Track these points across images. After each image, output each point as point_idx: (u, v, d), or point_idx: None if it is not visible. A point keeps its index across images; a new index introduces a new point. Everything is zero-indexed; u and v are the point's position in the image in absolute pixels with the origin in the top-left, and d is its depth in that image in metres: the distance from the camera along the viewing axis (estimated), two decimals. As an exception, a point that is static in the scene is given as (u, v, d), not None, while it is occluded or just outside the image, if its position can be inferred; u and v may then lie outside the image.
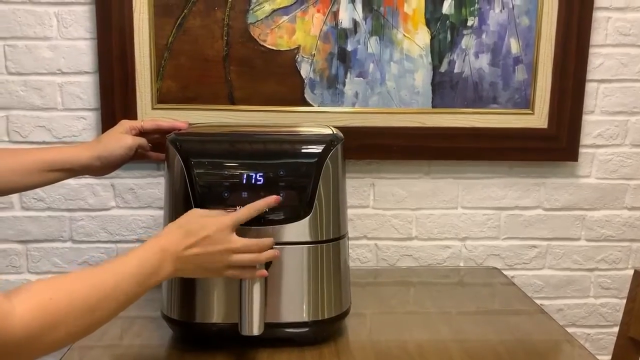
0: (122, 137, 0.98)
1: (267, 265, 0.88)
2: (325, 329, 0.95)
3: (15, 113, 1.27)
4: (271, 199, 0.86)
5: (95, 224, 1.32)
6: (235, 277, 0.83)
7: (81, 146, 0.98)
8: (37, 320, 0.60)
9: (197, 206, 0.87)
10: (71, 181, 1.26)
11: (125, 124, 1.00)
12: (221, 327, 0.87)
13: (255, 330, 0.84)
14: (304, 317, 0.91)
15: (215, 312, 0.90)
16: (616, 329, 1.12)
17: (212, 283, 0.90)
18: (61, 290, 0.64)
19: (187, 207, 0.87)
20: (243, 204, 0.87)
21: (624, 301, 1.13)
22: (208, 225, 0.79)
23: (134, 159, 1.00)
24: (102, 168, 0.97)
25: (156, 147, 1.03)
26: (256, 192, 0.88)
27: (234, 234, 0.81)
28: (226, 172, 0.89)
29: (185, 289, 0.91)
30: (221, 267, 0.81)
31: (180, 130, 0.99)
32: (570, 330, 1.27)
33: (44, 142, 1.27)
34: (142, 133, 1.01)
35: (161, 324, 0.96)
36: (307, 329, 0.93)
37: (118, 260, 0.72)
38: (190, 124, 1.06)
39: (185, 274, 0.80)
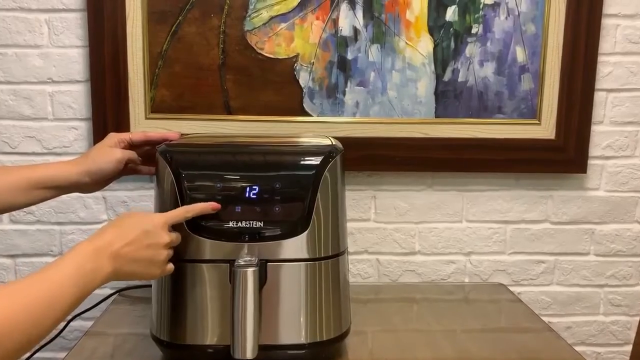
0: (110, 151, 0.95)
1: (262, 283, 0.84)
2: (324, 351, 0.91)
3: (4, 123, 1.24)
4: (208, 206, 0.83)
5: (86, 237, 1.28)
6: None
7: (69, 162, 0.95)
8: None
9: (186, 221, 0.84)
10: (61, 193, 1.24)
11: (113, 137, 0.97)
12: (213, 350, 0.83)
13: (249, 353, 0.81)
14: (302, 338, 0.87)
15: (207, 334, 0.86)
16: (627, 348, 1.08)
17: (204, 302, 0.86)
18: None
19: (177, 223, 0.83)
20: (237, 219, 0.84)
21: (636, 319, 1.09)
22: (141, 222, 0.78)
23: (124, 173, 0.98)
24: (91, 184, 0.95)
25: (147, 159, 1.00)
26: (251, 206, 0.84)
27: (167, 231, 0.80)
28: (219, 185, 0.86)
29: (176, 308, 0.87)
30: (159, 262, 0.79)
31: (171, 141, 0.96)
32: (579, 349, 1.23)
33: (33, 153, 1.25)
34: (131, 146, 0.98)
35: (153, 343, 0.92)
36: (304, 351, 0.89)
37: (53, 269, 0.68)
38: (182, 134, 1.03)
39: (125, 274, 0.77)
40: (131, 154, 0.97)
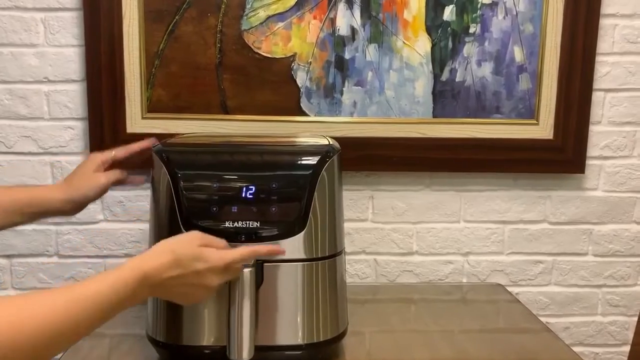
0: (94, 178, 0.94)
1: (258, 283, 0.83)
2: (321, 352, 0.91)
3: (0, 123, 1.23)
4: (277, 249, 0.82)
5: (83, 238, 1.27)
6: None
7: (53, 188, 0.95)
8: None
9: (183, 221, 0.83)
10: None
11: (96, 159, 0.96)
12: (209, 351, 0.82)
13: (245, 354, 0.80)
14: (299, 339, 0.87)
15: (203, 334, 0.86)
16: (625, 348, 1.08)
17: (200, 303, 0.85)
18: (9, 320, 0.57)
19: (172, 223, 0.83)
20: (233, 219, 0.83)
21: (633, 319, 1.08)
22: (202, 259, 0.74)
23: (113, 187, 0.97)
24: (73, 209, 0.94)
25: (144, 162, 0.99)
26: (247, 206, 0.84)
27: (222, 276, 0.77)
28: (215, 185, 0.85)
29: (172, 309, 0.86)
30: (192, 299, 0.77)
31: (155, 145, 0.94)
32: (577, 349, 1.22)
33: (29, 153, 1.24)
34: (114, 163, 0.97)
35: (149, 344, 0.92)
36: (301, 352, 0.88)
37: (93, 284, 0.65)
38: (177, 134, 1.03)
39: (156, 296, 0.77)
40: (115, 176, 0.96)
